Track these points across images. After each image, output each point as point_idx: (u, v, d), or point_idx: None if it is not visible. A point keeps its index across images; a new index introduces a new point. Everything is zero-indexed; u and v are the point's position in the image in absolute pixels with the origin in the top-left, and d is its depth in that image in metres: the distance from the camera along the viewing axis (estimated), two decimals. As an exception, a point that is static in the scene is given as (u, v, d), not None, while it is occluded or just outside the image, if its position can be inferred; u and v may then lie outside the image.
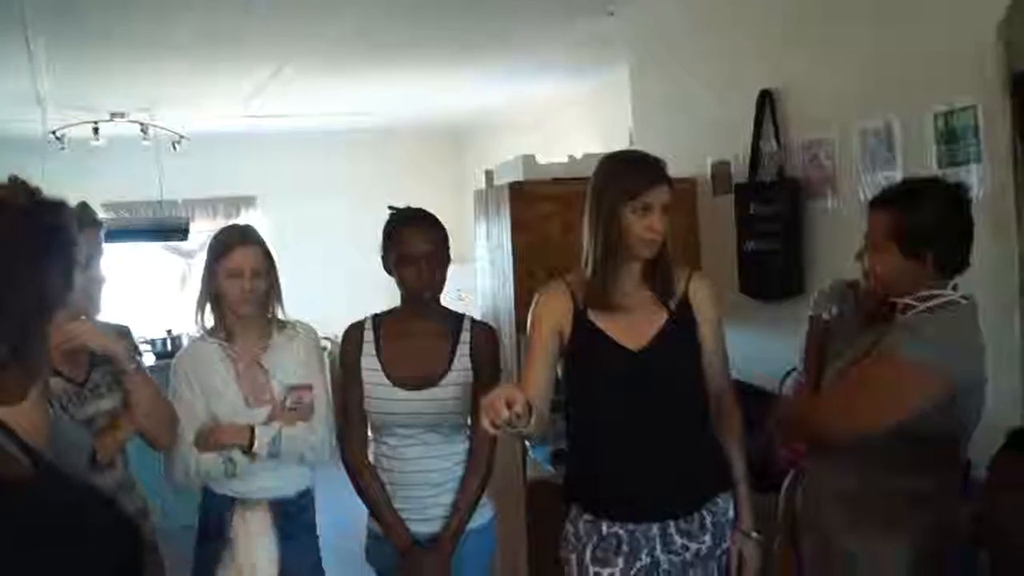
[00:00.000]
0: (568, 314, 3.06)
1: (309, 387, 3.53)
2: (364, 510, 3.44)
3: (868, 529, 2.80)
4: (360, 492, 3.39)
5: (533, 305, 3.14)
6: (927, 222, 2.74)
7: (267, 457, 3.41)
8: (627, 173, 3.00)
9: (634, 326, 3.03)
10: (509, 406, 2.56)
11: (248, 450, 3.40)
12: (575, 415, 3.11)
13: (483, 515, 3.42)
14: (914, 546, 2.75)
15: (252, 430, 3.41)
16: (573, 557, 3.05)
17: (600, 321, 3.04)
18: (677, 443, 3.02)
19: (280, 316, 3.63)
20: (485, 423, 2.60)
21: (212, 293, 3.52)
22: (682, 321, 3.08)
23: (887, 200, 2.84)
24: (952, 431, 2.79)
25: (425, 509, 3.34)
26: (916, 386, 2.66)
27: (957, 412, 2.75)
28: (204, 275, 3.53)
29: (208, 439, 3.42)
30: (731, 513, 3.12)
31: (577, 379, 3.10)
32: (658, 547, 3.02)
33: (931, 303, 2.74)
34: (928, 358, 2.65)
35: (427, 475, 3.34)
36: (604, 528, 3.02)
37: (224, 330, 3.55)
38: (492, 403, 2.58)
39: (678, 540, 3.02)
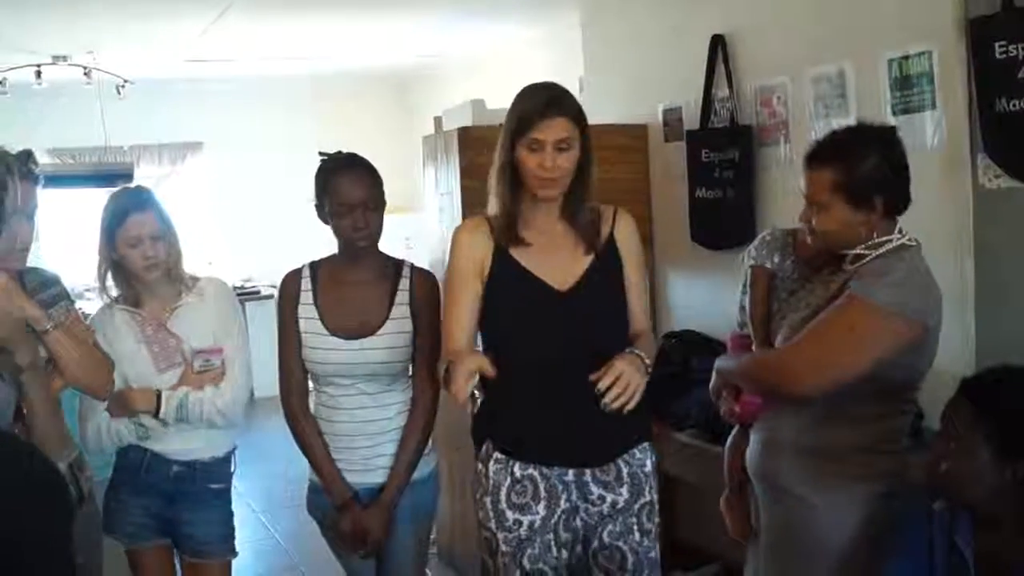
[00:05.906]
0: (488, 249, 2.94)
1: (219, 350, 3.47)
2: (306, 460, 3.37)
3: (826, 480, 2.78)
4: (300, 443, 3.32)
5: (452, 241, 3.01)
6: (872, 169, 2.69)
7: (175, 421, 3.38)
8: (520, 105, 2.85)
9: (559, 266, 2.92)
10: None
11: (156, 415, 3.36)
12: (490, 351, 2.89)
13: (426, 466, 3.34)
14: (872, 494, 2.75)
15: (159, 395, 3.37)
16: (488, 500, 2.94)
17: (523, 259, 2.92)
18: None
19: (185, 271, 3.52)
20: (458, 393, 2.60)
21: (113, 261, 3.41)
22: (608, 262, 2.96)
23: (825, 156, 2.76)
24: (913, 377, 2.79)
25: (367, 460, 3.26)
26: (892, 331, 2.63)
27: (922, 357, 2.75)
28: (101, 244, 3.41)
29: (118, 404, 3.37)
30: (649, 466, 3.00)
31: (494, 315, 2.94)
32: (574, 494, 2.93)
33: (882, 249, 2.71)
34: (902, 302, 2.63)
35: (367, 425, 3.26)
36: (517, 470, 2.91)
37: (131, 297, 3.48)
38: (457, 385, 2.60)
39: (595, 490, 2.92)
